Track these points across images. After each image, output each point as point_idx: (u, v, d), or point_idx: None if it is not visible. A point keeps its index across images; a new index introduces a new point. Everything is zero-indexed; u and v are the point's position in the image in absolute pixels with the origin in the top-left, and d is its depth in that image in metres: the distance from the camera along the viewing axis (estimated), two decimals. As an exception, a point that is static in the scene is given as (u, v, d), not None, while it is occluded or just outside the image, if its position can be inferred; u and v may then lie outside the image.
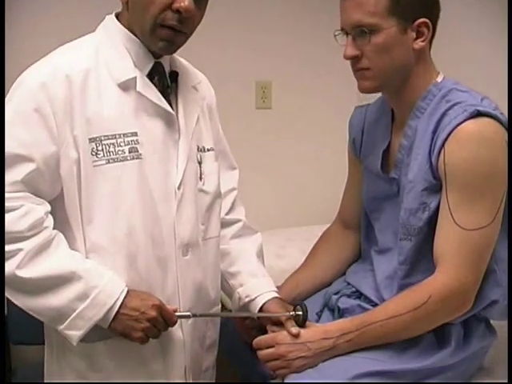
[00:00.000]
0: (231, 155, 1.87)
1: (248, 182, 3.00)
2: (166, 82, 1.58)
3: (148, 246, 1.51)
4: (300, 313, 1.59)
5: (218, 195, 1.69)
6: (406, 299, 1.55)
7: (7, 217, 1.38)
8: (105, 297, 1.43)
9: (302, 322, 1.59)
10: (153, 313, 1.46)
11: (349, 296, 1.76)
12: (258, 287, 1.72)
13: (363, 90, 1.65)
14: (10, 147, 1.40)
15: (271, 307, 1.66)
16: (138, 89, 1.48)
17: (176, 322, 1.51)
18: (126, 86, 1.49)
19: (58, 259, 1.43)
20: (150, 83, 1.52)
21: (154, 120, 1.52)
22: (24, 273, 1.38)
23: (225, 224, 1.78)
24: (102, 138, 1.45)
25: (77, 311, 1.42)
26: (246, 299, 1.70)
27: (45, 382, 1.52)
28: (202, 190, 1.62)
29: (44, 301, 1.42)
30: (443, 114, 1.54)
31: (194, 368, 1.64)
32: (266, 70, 3.03)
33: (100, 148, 1.45)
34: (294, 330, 1.56)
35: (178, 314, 1.52)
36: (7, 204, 1.39)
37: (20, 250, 1.38)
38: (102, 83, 1.46)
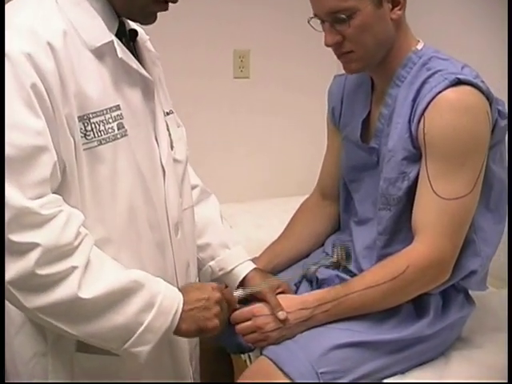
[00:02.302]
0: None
1: (225, 153, 3.03)
2: (128, 41, 1.43)
3: (147, 232, 1.40)
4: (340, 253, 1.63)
5: (187, 161, 1.60)
6: (384, 269, 1.56)
7: (50, 228, 1.17)
8: (169, 301, 1.32)
9: (347, 261, 1.63)
10: (217, 294, 1.39)
11: (327, 267, 1.77)
12: (232, 259, 1.70)
13: (350, 72, 1.66)
14: (22, 138, 1.16)
15: (255, 280, 1.66)
16: (119, 55, 1.32)
17: (236, 301, 1.49)
18: (101, 52, 1.30)
19: (113, 269, 1.28)
20: (124, 46, 1.35)
21: (133, 89, 1.37)
22: (87, 293, 1.20)
23: None
24: (91, 116, 1.27)
25: (144, 324, 1.27)
26: (220, 272, 1.69)
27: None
28: (175, 160, 1.51)
29: (107, 321, 1.25)
30: (423, 83, 1.54)
31: (190, 346, 1.62)
32: (244, 38, 3.00)
33: (89, 128, 1.27)
34: (282, 315, 1.54)
35: (234, 293, 1.50)
36: (44, 212, 1.17)
37: (75, 267, 1.19)
38: (76, 49, 1.26)
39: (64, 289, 1.18)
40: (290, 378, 1.46)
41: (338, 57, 1.62)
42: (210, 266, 1.70)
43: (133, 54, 1.39)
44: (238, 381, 1.56)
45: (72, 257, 1.20)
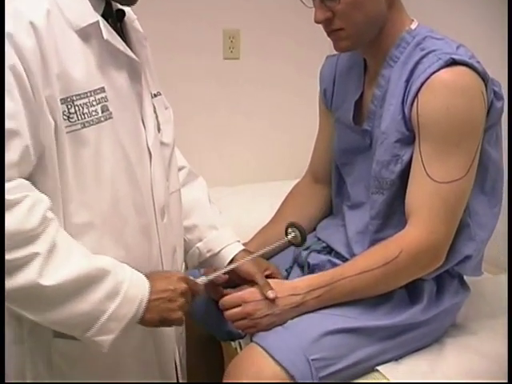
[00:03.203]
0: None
1: (214, 136, 3.02)
2: (115, 22, 1.42)
3: (133, 216, 1.40)
4: (296, 233, 1.60)
5: (174, 144, 1.60)
6: (377, 254, 1.56)
7: (13, 213, 1.17)
8: (135, 290, 1.31)
9: (301, 242, 1.61)
10: (183, 285, 1.39)
11: (319, 252, 1.77)
12: (221, 240, 1.69)
13: (340, 50, 1.65)
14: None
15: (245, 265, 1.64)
16: (105, 36, 1.31)
17: (202, 291, 1.48)
18: (87, 33, 1.29)
19: (78, 255, 1.26)
20: (110, 27, 1.34)
21: (119, 72, 1.36)
22: (48, 280, 1.19)
23: None
24: (74, 98, 1.26)
25: (108, 312, 1.27)
26: (208, 254, 1.68)
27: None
28: (162, 143, 1.51)
29: (70, 308, 1.24)
30: (417, 63, 1.54)
31: (176, 333, 1.61)
32: (234, 17, 2.97)
33: (72, 110, 1.26)
34: (271, 293, 1.54)
35: (198, 280, 1.48)
36: (9, 197, 1.17)
37: (37, 254, 1.19)
38: (60, 30, 1.26)
39: (24, 275, 1.18)
40: (281, 366, 1.45)
41: (328, 34, 1.61)
42: (197, 248, 1.69)
43: (120, 35, 1.39)
44: (227, 369, 1.56)
45: (35, 243, 1.19)
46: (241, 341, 1.82)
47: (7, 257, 1.17)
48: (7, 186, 1.17)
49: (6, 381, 1.33)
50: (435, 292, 1.65)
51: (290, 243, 1.66)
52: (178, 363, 1.61)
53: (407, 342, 1.60)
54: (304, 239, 1.66)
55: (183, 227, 1.67)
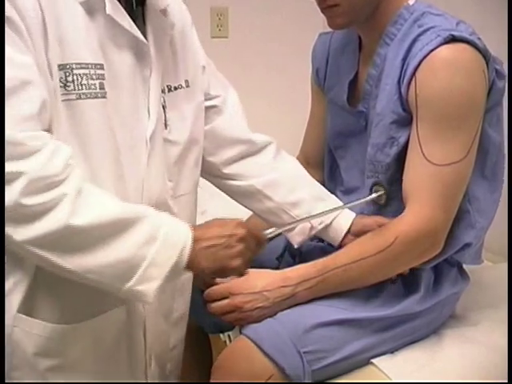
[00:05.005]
0: (219, 75, 1.76)
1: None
2: (132, 4, 1.40)
3: None
4: (382, 191, 1.59)
5: (191, 143, 1.56)
6: (371, 241, 1.56)
7: (34, 159, 1.16)
8: (175, 234, 1.28)
9: (386, 202, 1.60)
10: (241, 230, 1.34)
11: (311, 239, 1.77)
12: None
13: (334, 27, 1.63)
14: (9, 71, 1.17)
15: (364, 221, 1.65)
16: (107, 11, 1.29)
17: (266, 240, 1.43)
18: (91, 7, 1.29)
19: (109, 198, 1.25)
20: (118, 3, 1.32)
21: (122, 51, 1.35)
22: (80, 219, 1.18)
23: (256, 151, 1.72)
24: (74, 66, 1.26)
25: (148, 257, 1.24)
26: (320, 226, 1.66)
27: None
28: (167, 140, 1.48)
29: (106, 254, 1.22)
30: (414, 40, 1.53)
31: (157, 347, 1.59)
32: (222, -6, 2.98)
33: (70, 78, 1.25)
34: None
35: (265, 231, 1.44)
36: (30, 143, 1.16)
37: (65, 194, 1.17)
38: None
39: (55, 216, 1.17)
40: (271, 359, 1.46)
41: (322, 11, 1.60)
42: (308, 222, 1.67)
43: (137, 18, 1.39)
44: (216, 363, 1.55)
45: (61, 186, 1.18)
46: (230, 333, 1.82)
47: (32, 202, 1.15)
48: (29, 134, 1.17)
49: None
50: (433, 281, 1.65)
51: (374, 202, 1.62)
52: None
53: (403, 333, 1.60)
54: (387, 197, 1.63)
55: (288, 203, 1.68)
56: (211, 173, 1.67)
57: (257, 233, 1.39)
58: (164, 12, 1.47)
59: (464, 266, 1.75)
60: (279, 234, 1.52)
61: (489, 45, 1.54)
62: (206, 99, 1.64)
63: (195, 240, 1.29)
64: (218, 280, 1.53)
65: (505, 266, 2.07)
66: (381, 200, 1.60)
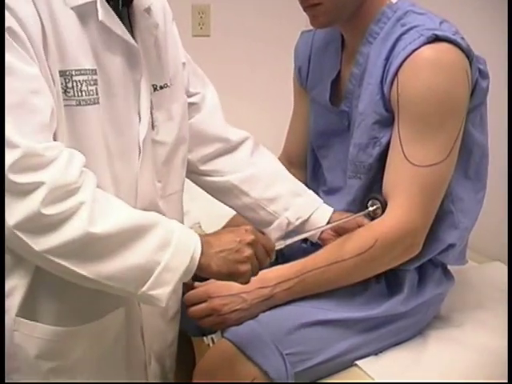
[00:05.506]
0: (199, 71, 1.78)
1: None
2: (118, 5, 1.39)
3: None
4: (378, 205, 1.58)
5: (179, 143, 1.57)
6: (350, 243, 1.57)
7: (53, 168, 1.18)
8: (186, 240, 1.30)
9: (382, 214, 1.58)
10: (250, 236, 1.35)
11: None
12: (309, 205, 1.69)
13: (317, 26, 1.64)
14: (18, 83, 1.18)
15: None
16: (100, 17, 1.30)
17: (274, 248, 1.43)
18: (83, 12, 1.29)
19: (123, 206, 1.28)
20: (111, 9, 1.34)
21: (114, 56, 1.36)
22: (98, 227, 1.20)
23: (233, 148, 1.74)
24: (73, 73, 1.28)
25: (162, 263, 1.26)
26: (298, 222, 1.67)
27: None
28: (155, 141, 1.49)
29: (123, 260, 1.24)
30: (397, 39, 1.53)
31: (156, 345, 1.61)
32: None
33: (70, 85, 1.28)
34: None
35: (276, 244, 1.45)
36: (48, 154, 1.18)
37: (82, 203, 1.19)
38: (58, 4, 1.27)
39: (74, 225, 1.18)
40: (253, 361, 1.46)
41: (305, 9, 1.61)
42: (286, 218, 1.68)
43: (123, 19, 1.38)
44: (197, 367, 1.56)
45: (78, 194, 1.20)
46: (213, 336, 1.81)
47: (53, 211, 1.17)
48: (45, 145, 1.18)
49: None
50: (417, 282, 1.66)
51: (370, 216, 1.61)
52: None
53: (388, 334, 1.62)
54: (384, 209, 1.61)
55: (265, 199, 1.69)
56: (188, 169, 1.68)
57: (266, 240, 1.40)
58: (148, 11, 1.48)
59: (449, 267, 1.76)
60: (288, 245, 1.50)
61: (472, 44, 1.55)
62: None
63: (207, 245, 1.32)
64: (196, 284, 1.54)
65: (489, 265, 2.09)
66: (377, 214, 1.60)
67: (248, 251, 1.34)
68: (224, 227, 1.88)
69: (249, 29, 3.03)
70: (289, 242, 1.47)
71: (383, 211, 1.58)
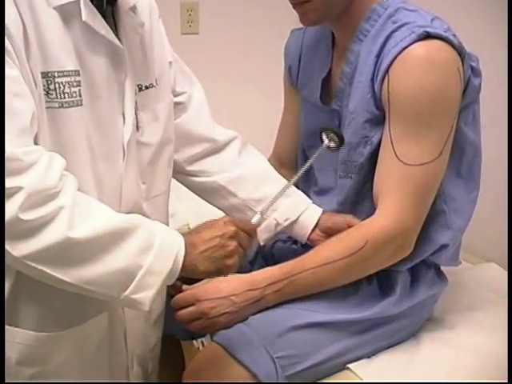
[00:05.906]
0: (187, 70, 1.78)
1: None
2: (102, 3, 1.38)
3: None
4: (330, 136, 1.58)
5: (164, 144, 1.56)
6: (341, 244, 1.56)
7: (32, 173, 1.17)
8: (169, 241, 1.30)
9: (340, 143, 1.58)
10: (231, 228, 1.36)
11: (284, 242, 1.77)
12: (297, 206, 1.70)
13: (307, 24, 1.63)
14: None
15: (334, 219, 1.66)
16: (83, 18, 1.29)
17: (255, 229, 1.44)
18: (66, 12, 1.28)
19: (104, 209, 1.27)
20: (94, 9, 1.32)
21: (98, 57, 1.35)
22: (78, 232, 1.19)
23: (220, 148, 1.74)
24: (56, 75, 1.27)
25: (144, 266, 1.25)
26: (286, 222, 1.69)
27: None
28: (140, 143, 1.48)
29: (105, 264, 1.23)
30: (388, 37, 1.53)
31: (138, 348, 1.61)
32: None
33: (52, 87, 1.27)
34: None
35: (252, 220, 1.46)
36: (27, 159, 1.17)
37: (62, 207, 1.18)
38: (40, 3, 1.25)
39: (53, 230, 1.17)
40: (243, 365, 1.46)
41: (294, 7, 1.60)
42: (274, 219, 1.69)
43: (107, 18, 1.38)
44: (186, 371, 1.55)
45: (58, 198, 1.19)
46: (203, 339, 1.81)
47: (31, 216, 1.16)
48: (25, 149, 1.17)
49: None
50: (409, 283, 1.66)
51: (329, 149, 1.60)
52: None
53: (380, 337, 1.61)
54: (342, 140, 1.59)
55: (253, 200, 1.70)
56: (174, 169, 1.67)
57: (245, 225, 1.41)
58: (133, 9, 1.46)
59: (442, 268, 1.75)
60: (265, 213, 1.52)
61: (464, 41, 1.54)
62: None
63: (190, 245, 1.31)
64: (184, 287, 1.53)
65: (483, 267, 2.09)
66: (334, 144, 1.58)
67: (232, 244, 1.35)
68: None
69: (238, 26, 3.02)
70: (264, 210, 1.50)
71: (340, 141, 1.57)
